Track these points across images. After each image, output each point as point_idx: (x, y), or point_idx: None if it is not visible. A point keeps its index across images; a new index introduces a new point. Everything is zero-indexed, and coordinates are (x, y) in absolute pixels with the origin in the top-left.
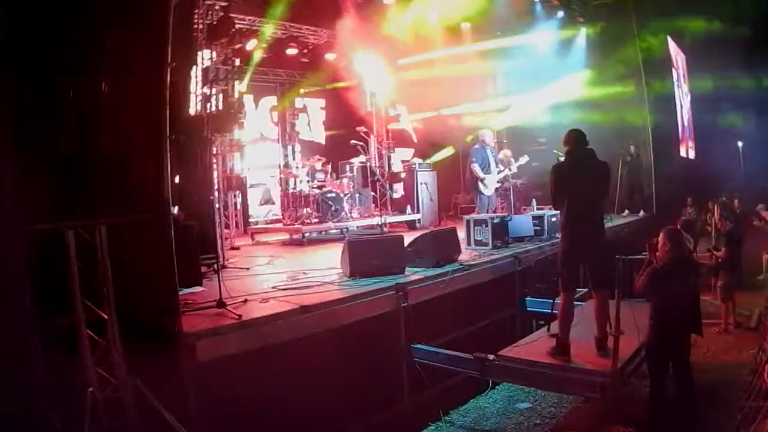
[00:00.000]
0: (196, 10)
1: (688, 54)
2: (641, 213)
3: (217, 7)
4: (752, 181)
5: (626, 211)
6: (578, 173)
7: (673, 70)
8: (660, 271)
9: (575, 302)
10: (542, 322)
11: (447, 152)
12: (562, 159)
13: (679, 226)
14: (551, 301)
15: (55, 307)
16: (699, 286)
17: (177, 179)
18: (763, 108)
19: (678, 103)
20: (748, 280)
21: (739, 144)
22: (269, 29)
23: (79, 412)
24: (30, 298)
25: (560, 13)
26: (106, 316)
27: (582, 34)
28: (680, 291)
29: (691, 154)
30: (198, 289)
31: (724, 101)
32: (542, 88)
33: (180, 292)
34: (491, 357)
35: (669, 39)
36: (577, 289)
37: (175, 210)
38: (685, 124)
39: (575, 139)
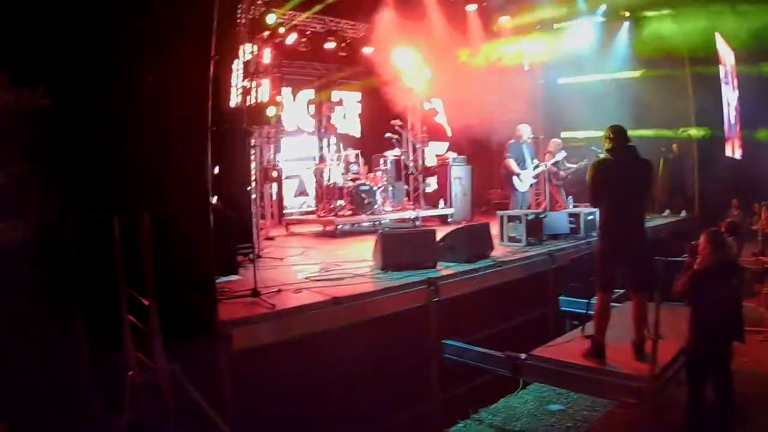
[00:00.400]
0: (240, 5)
1: (737, 50)
2: (683, 213)
3: (259, 2)
4: None
5: (667, 211)
6: (619, 171)
7: (720, 66)
8: (700, 274)
9: (612, 303)
10: (577, 323)
11: (482, 147)
12: (601, 156)
13: (723, 229)
14: (586, 301)
15: (99, 296)
16: (741, 291)
17: (216, 170)
18: None
19: (725, 101)
20: None
21: None
22: (309, 23)
23: (119, 396)
24: (76, 285)
25: (603, 7)
26: (146, 303)
27: (625, 29)
28: (721, 295)
29: (738, 154)
30: (234, 277)
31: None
32: (584, 82)
33: (217, 280)
34: (523, 356)
35: (717, 35)
36: (615, 291)
37: (214, 200)
38: (732, 122)
39: (616, 135)
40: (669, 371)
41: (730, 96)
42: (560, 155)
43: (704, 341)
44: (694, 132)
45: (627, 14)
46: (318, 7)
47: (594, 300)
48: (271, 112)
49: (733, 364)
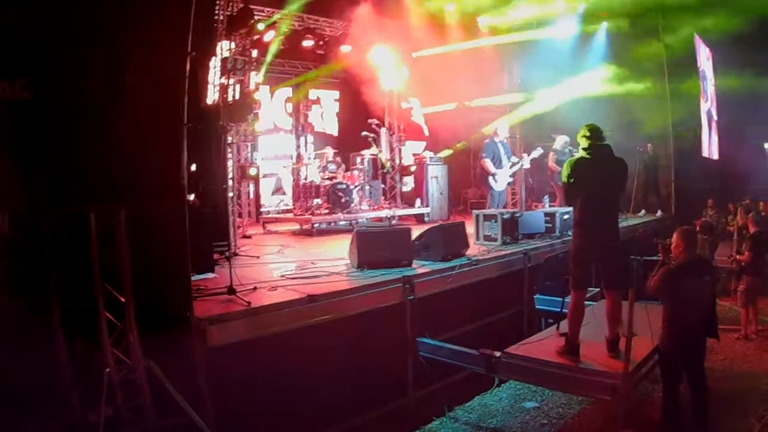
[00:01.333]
0: (218, 1)
1: (715, 51)
2: (658, 213)
3: None
4: None
5: (643, 211)
6: (594, 169)
7: (699, 67)
8: (674, 272)
9: (587, 302)
10: (551, 321)
11: (459, 146)
12: (577, 154)
13: (698, 228)
14: (561, 299)
15: (76, 290)
16: (715, 289)
17: (193, 167)
18: None
19: (702, 101)
20: None
21: (766, 146)
22: (287, 21)
23: (97, 391)
24: (54, 280)
25: (582, 7)
26: (123, 299)
27: (603, 29)
28: (695, 293)
29: (715, 155)
30: (210, 275)
31: (752, 100)
32: (560, 83)
33: (193, 278)
34: (498, 354)
35: (696, 35)
36: (589, 289)
37: (191, 197)
38: (710, 123)
39: (592, 133)
40: (643, 368)
41: (707, 96)
42: (536, 152)
43: (678, 338)
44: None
45: (605, 15)
46: (296, 6)
47: (569, 298)
48: (247, 109)
49: (708, 362)
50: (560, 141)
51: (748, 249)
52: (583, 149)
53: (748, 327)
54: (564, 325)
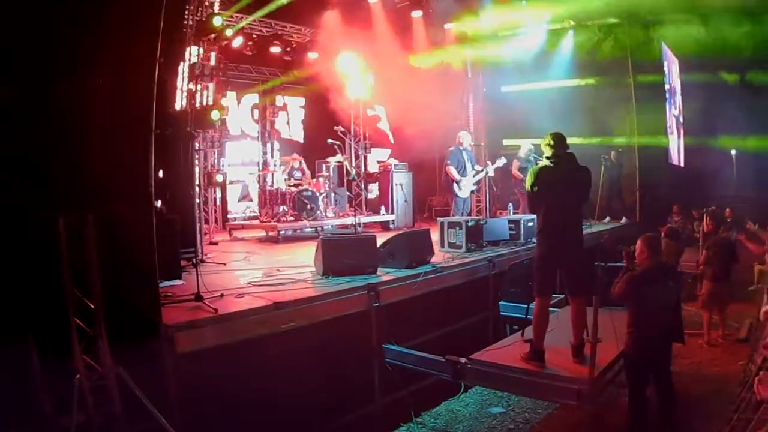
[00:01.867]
0: (187, 6)
1: (682, 60)
2: (623, 220)
3: (206, 3)
4: (744, 190)
5: (607, 218)
6: (557, 177)
7: (666, 75)
8: (638, 278)
9: (551, 308)
10: (516, 327)
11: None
12: (541, 163)
13: (664, 234)
14: (526, 306)
15: (46, 296)
16: (679, 294)
17: (161, 173)
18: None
19: (668, 109)
20: (739, 292)
21: (732, 152)
22: (255, 27)
23: (68, 398)
24: (23, 286)
25: (548, 14)
26: (93, 306)
27: (570, 37)
28: (659, 298)
29: (681, 162)
30: (177, 282)
31: (717, 109)
32: (527, 90)
33: (160, 285)
34: (464, 360)
35: (663, 44)
36: (554, 295)
37: (158, 204)
38: (676, 130)
39: (556, 142)
40: (608, 373)
41: (673, 104)
42: (500, 161)
43: (644, 343)
44: (636, 139)
45: (572, 23)
46: (262, 12)
47: (533, 305)
48: (215, 116)
49: (675, 366)
50: (524, 149)
51: (705, 250)
52: (547, 157)
53: (712, 333)
54: (529, 332)
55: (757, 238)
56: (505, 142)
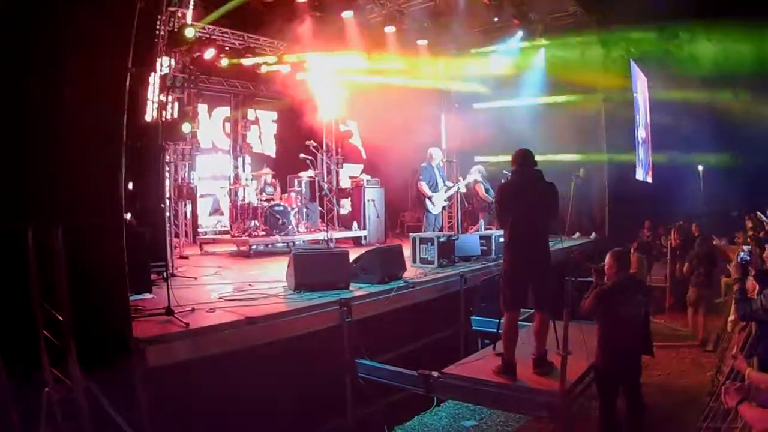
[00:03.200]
0: (159, 17)
1: (650, 76)
2: (592, 235)
3: (179, 14)
4: (711, 205)
5: (577, 233)
6: (524, 193)
7: (634, 93)
8: (607, 292)
9: (523, 323)
10: (488, 341)
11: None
12: (508, 178)
13: (634, 248)
14: (497, 320)
15: (13, 307)
16: (648, 307)
17: (131, 185)
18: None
19: (637, 125)
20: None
21: (700, 168)
22: (228, 39)
23: (36, 412)
24: None
25: (520, 32)
26: (61, 318)
27: (541, 54)
28: (628, 312)
29: (649, 178)
30: (147, 296)
31: (684, 124)
32: (498, 107)
33: (130, 298)
34: (436, 374)
35: (632, 62)
36: (525, 310)
37: (128, 216)
38: (644, 147)
39: (522, 158)
40: (579, 386)
41: (642, 120)
42: (471, 177)
43: (614, 356)
44: (602, 156)
45: (543, 41)
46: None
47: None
48: (186, 128)
49: (645, 377)
50: (476, 171)
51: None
52: (513, 173)
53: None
54: (500, 346)
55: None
56: (477, 158)
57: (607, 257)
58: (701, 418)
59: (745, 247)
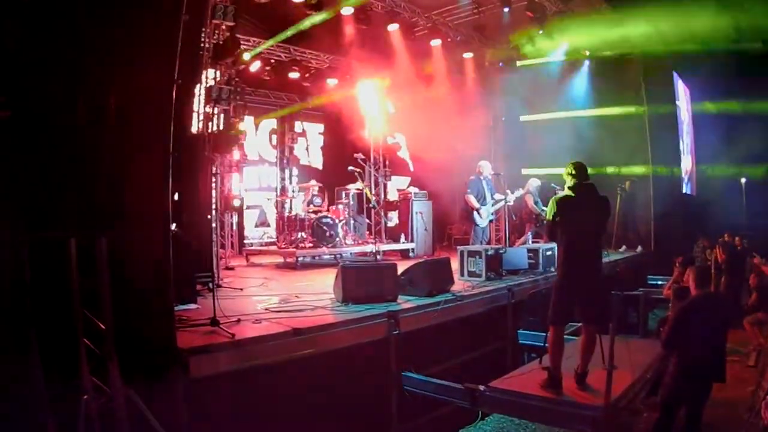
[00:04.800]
0: (204, 29)
1: (692, 87)
2: (639, 249)
3: (223, 27)
4: (755, 219)
5: (623, 247)
6: (579, 207)
7: (677, 105)
8: (686, 310)
9: (570, 336)
10: (534, 355)
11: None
12: (560, 192)
13: (678, 263)
14: (544, 334)
15: (55, 316)
16: (728, 328)
17: (176, 196)
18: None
19: (681, 139)
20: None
21: (743, 180)
22: (273, 52)
23: (74, 420)
24: (31, 305)
25: (564, 46)
26: (103, 327)
27: (586, 67)
28: (706, 331)
29: (692, 191)
30: (193, 306)
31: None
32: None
33: (175, 308)
34: (482, 388)
35: (674, 73)
36: (572, 324)
37: (174, 227)
38: (688, 160)
39: (577, 171)
40: (623, 400)
41: (685, 134)
42: (519, 191)
43: (687, 375)
44: (647, 169)
45: (587, 53)
46: (283, 37)
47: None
48: (233, 139)
49: None
50: (533, 184)
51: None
52: (568, 187)
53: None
54: (546, 359)
55: None
56: (524, 171)
57: (690, 272)
58: None
59: None
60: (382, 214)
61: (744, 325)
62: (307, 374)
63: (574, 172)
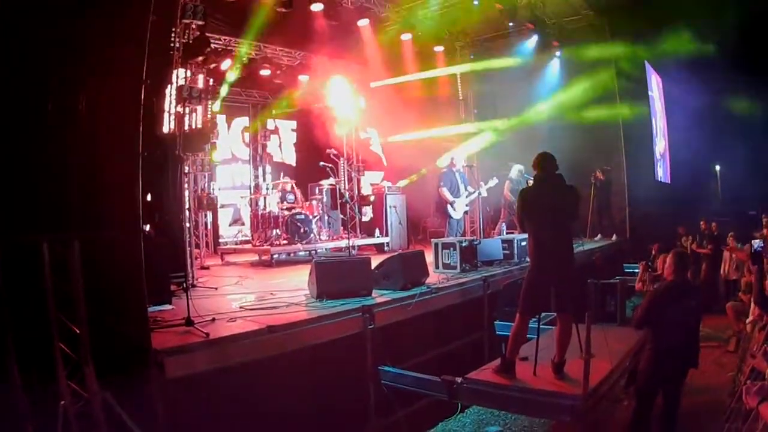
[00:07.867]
0: (173, 29)
1: (664, 77)
2: (614, 237)
3: (193, 26)
4: (729, 205)
5: (599, 236)
6: (545, 197)
7: (650, 93)
8: (662, 293)
9: (546, 326)
10: None
11: (417, 176)
12: (530, 183)
13: (655, 251)
14: None
15: (29, 321)
16: (700, 315)
17: (149, 197)
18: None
19: (653, 126)
20: (721, 304)
21: (717, 168)
22: (244, 50)
23: (52, 425)
24: (6, 310)
25: (534, 37)
26: (78, 331)
27: (556, 58)
28: (680, 316)
29: (667, 178)
30: (167, 307)
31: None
32: (515, 112)
33: (149, 310)
34: (459, 380)
35: (646, 63)
36: (549, 313)
37: (146, 228)
38: (661, 147)
39: (544, 162)
40: (601, 389)
41: (658, 121)
42: (492, 182)
43: (661, 360)
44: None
45: (557, 44)
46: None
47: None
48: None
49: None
50: (515, 170)
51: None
52: (534, 178)
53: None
54: (524, 350)
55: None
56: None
57: (669, 257)
58: (723, 419)
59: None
60: (356, 209)
61: (726, 308)
62: (284, 371)
63: (540, 162)
